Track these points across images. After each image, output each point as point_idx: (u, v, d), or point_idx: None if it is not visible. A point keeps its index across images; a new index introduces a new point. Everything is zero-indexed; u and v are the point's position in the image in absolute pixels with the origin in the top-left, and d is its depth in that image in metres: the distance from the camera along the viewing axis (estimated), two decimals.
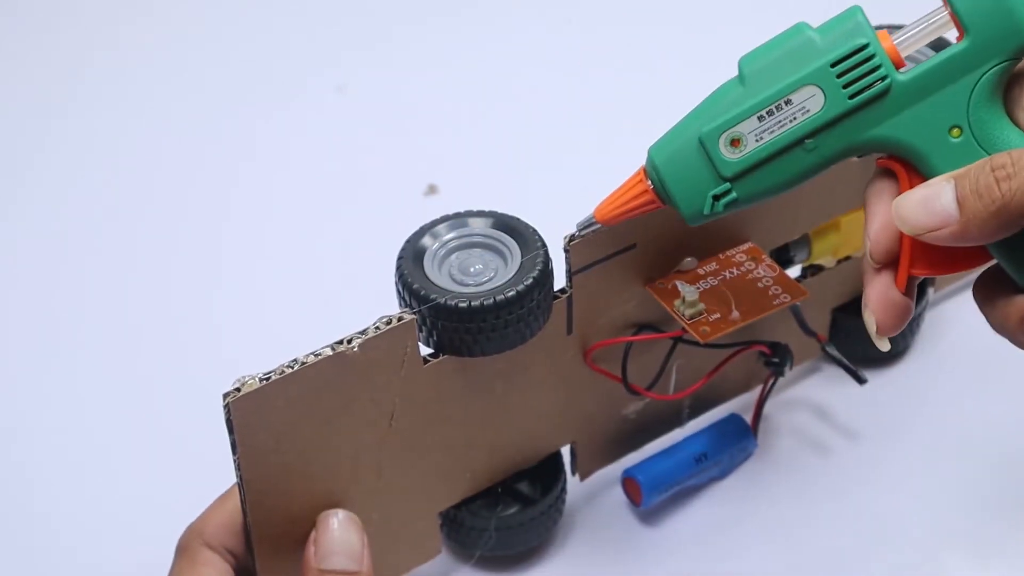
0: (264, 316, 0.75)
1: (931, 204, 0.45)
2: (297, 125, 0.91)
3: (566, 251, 0.53)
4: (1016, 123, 0.46)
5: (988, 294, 0.47)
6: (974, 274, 0.48)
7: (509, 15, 1.00)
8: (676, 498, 0.64)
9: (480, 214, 0.55)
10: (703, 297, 0.57)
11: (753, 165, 0.47)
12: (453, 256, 0.54)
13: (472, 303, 0.51)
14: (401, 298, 0.53)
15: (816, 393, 0.69)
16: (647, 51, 0.94)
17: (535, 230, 0.54)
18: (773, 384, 0.64)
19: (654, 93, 0.87)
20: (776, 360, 0.62)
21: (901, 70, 0.46)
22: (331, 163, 0.87)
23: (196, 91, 0.94)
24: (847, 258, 0.66)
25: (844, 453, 0.66)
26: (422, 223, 0.55)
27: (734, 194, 0.48)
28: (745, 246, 0.60)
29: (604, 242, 0.54)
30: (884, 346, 0.48)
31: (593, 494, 0.65)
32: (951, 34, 0.46)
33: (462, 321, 0.51)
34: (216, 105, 0.93)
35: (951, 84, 0.45)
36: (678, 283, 0.57)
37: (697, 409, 0.65)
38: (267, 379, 0.47)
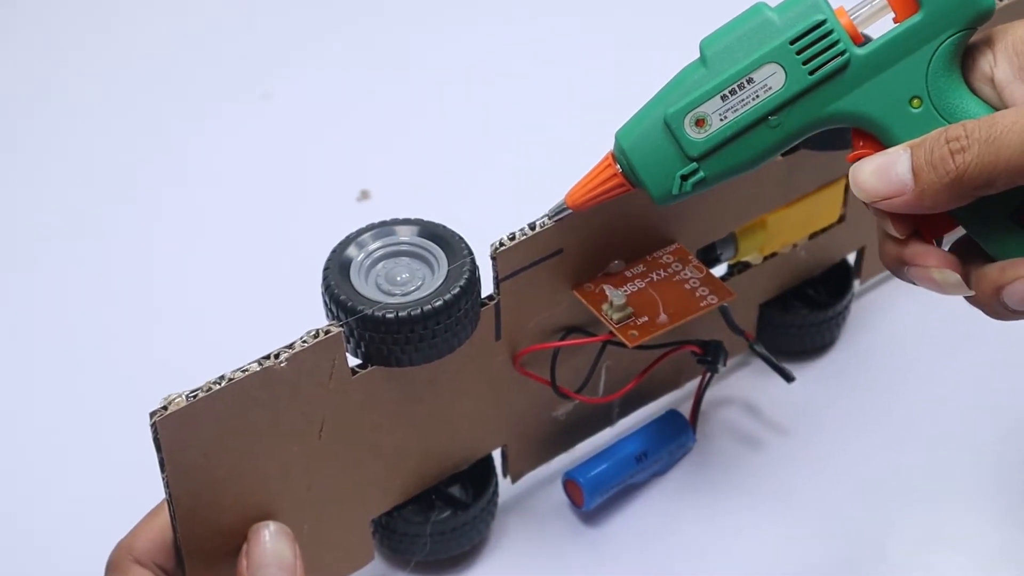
0: (193, 327, 0.75)
1: (887, 172, 0.45)
2: (224, 134, 0.89)
3: (493, 258, 0.54)
4: (974, 92, 0.47)
5: (959, 265, 0.47)
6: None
7: (439, 16, 1.00)
8: (618, 496, 0.64)
9: (406, 222, 0.55)
10: (631, 300, 0.57)
11: (719, 144, 0.48)
12: (380, 265, 0.54)
13: (399, 313, 0.51)
14: (328, 310, 0.53)
15: (747, 385, 0.70)
16: (577, 58, 0.94)
17: (461, 238, 0.54)
18: (710, 379, 0.64)
19: (585, 100, 0.87)
20: (709, 359, 0.62)
21: (860, 44, 0.47)
22: (260, 172, 0.86)
23: (118, 102, 0.93)
24: (773, 255, 0.67)
25: (780, 445, 0.67)
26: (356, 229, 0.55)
27: (701, 173, 0.49)
28: (672, 247, 0.60)
29: (530, 248, 0.54)
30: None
31: (531, 496, 0.65)
32: None
33: (390, 332, 0.51)
34: (139, 115, 0.91)
35: (909, 56, 0.47)
36: (605, 287, 0.57)
37: (627, 408, 0.66)
38: (194, 396, 0.47)
